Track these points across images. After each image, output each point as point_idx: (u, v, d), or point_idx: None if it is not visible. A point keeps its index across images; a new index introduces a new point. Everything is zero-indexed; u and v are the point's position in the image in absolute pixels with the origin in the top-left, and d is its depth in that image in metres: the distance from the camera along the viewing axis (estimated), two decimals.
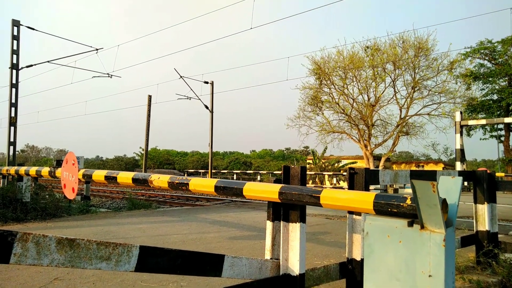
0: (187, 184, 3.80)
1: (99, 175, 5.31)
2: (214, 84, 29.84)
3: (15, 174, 8.11)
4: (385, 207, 2.26)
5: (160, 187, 4.35)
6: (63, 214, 8.76)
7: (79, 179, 5.29)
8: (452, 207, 2.31)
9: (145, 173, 4.58)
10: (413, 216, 2.14)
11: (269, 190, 2.77)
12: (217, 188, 3.29)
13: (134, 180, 4.62)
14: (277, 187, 2.71)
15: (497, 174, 19.06)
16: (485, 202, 4.50)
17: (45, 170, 6.96)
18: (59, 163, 6.58)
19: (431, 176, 4.11)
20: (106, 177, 5.13)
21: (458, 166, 19.36)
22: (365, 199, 2.40)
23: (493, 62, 28.86)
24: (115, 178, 4.96)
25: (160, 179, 4.20)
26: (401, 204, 2.19)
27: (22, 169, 7.60)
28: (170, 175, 4.12)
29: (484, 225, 4.48)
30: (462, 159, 19.41)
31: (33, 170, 7.19)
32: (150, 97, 34.81)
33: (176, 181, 3.92)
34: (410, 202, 2.14)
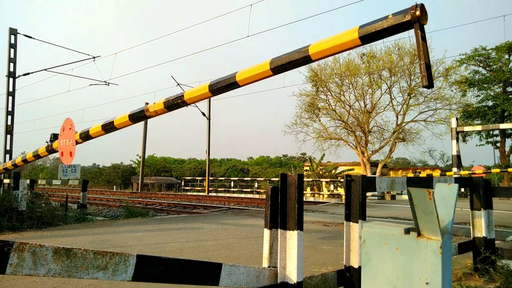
0: (182, 96, 3.92)
1: (96, 128, 5.33)
2: None
3: (12, 167, 8.10)
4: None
5: (157, 112, 4.40)
6: (59, 222, 8.70)
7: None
8: (449, 214, 2.32)
9: (140, 107, 4.64)
10: None
11: (261, 66, 2.84)
12: (211, 87, 3.39)
13: (131, 117, 4.65)
14: (267, 62, 2.77)
15: (493, 170, 19.13)
16: (482, 209, 4.51)
17: (41, 149, 6.96)
18: (55, 136, 6.57)
19: (428, 182, 4.13)
20: (103, 127, 5.13)
21: (455, 171, 19.43)
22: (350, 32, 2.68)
23: (487, 68, 29.14)
24: (112, 124, 4.97)
25: (155, 104, 4.29)
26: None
27: (19, 158, 7.61)
28: (163, 100, 4.21)
29: (481, 231, 4.49)
30: (459, 165, 19.55)
31: (30, 154, 7.21)
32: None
33: (171, 99, 4.02)
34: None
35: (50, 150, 6.82)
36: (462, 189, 16.29)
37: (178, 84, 26.03)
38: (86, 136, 5.76)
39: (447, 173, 19.69)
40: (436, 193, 2.33)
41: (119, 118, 5.04)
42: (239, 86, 3.75)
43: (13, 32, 14.17)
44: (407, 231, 2.13)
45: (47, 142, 6.95)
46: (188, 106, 25.57)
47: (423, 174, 33.63)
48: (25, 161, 7.79)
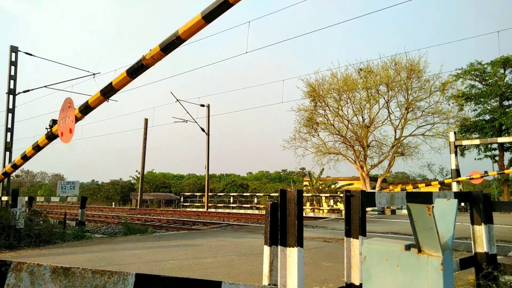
0: (177, 31, 4.12)
1: (94, 97, 5.39)
2: (210, 107, 30.09)
3: (11, 169, 7.97)
4: None
5: (154, 58, 4.51)
6: (58, 240, 8.61)
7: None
8: (449, 230, 2.32)
9: (138, 59, 4.79)
10: None
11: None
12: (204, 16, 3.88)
13: (128, 71, 4.75)
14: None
15: (490, 173, 19.05)
16: (482, 223, 4.50)
17: (41, 138, 6.94)
18: (55, 122, 6.56)
19: (427, 197, 4.12)
20: (102, 91, 5.16)
21: (454, 186, 19.39)
22: None
23: (483, 83, 29.43)
24: (110, 85, 5.03)
25: (151, 51, 4.45)
26: None
27: (18, 157, 7.55)
28: (158, 44, 4.47)
29: (482, 246, 4.46)
30: None
31: (29, 148, 7.19)
32: (146, 120, 34.96)
33: (165, 40, 4.20)
34: None
35: (50, 136, 6.70)
36: (462, 204, 16.23)
37: (177, 100, 26.20)
38: (85, 108, 5.72)
39: (445, 180, 19.64)
40: (436, 208, 2.33)
41: (116, 78, 5.12)
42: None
43: (14, 49, 14.32)
44: (408, 248, 2.13)
45: (46, 128, 6.88)
46: (187, 122, 25.25)
47: (423, 188, 33.54)
48: (25, 158, 7.57)
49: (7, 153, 13.71)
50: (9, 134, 13.81)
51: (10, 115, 14.04)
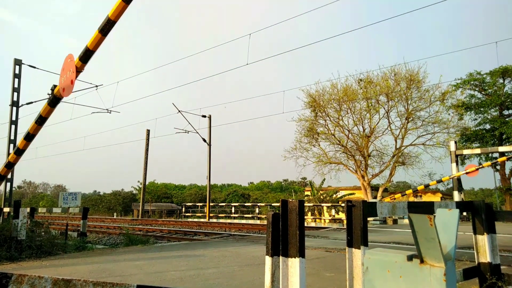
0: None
1: (93, 37, 6.01)
2: (212, 118, 30.20)
3: (14, 156, 7.60)
4: None
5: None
6: (59, 251, 8.58)
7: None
8: (451, 240, 2.32)
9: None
10: None
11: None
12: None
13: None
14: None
15: (484, 164, 19.04)
16: (485, 233, 4.49)
17: (43, 107, 6.95)
18: (55, 86, 6.73)
19: (429, 207, 4.13)
20: (101, 30, 5.58)
21: (456, 195, 19.32)
22: None
23: (483, 92, 29.54)
24: (107, 19, 5.72)
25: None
26: None
27: (21, 140, 7.40)
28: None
29: (485, 256, 4.44)
30: (460, 188, 19.44)
31: (31, 124, 7.14)
32: (148, 131, 35.09)
33: None
34: None
35: (53, 100, 6.56)
36: (464, 213, 16.16)
37: (179, 111, 26.33)
38: (85, 54, 5.74)
39: (443, 178, 19.57)
40: (437, 218, 2.34)
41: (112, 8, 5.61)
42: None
43: (17, 62, 14.47)
44: (410, 258, 2.13)
45: (48, 94, 6.83)
46: (189, 132, 25.11)
47: (424, 198, 33.41)
48: (28, 137, 7.28)
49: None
50: (12, 145, 13.86)
51: (13, 127, 14.11)
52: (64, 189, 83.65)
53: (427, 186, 20.40)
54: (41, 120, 7.10)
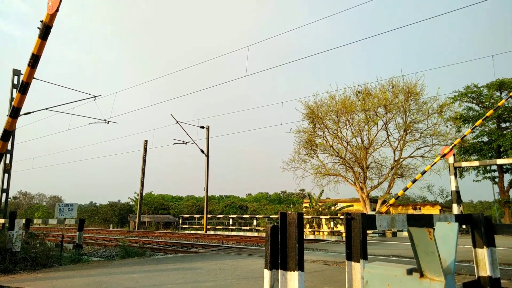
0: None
1: None
2: (210, 129, 30.23)
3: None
4: None
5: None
6: (54, 263, 8.47)
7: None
8: (451, 254, 2.31)
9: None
10: None
11: None
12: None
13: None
14: None
15: (456, 142, 19.15)
16: (484, 246, 4.46)
17: (35, 44, 7.42)
18: (42, 21, 7.54)
19: (428, 220, 4.11)
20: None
21: (455, 208, 19.27)
22: None
23: (480, 105, 29.75)
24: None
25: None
26: None
27: (16, 97, 7.52)
28: None
29: (485, 270, 4.41)
30: (459, 201, 19.41)
31: (25, 70, 7.25)
32: (146, 142, 35.04)
33: None
34: None
35: (43, 31, 7.43)
36: (464, 226, 16.10)
37: (177, 122, 26.36)
38: None
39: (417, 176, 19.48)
40: (437, 232, 2.33)
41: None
42: None
43: (16, 73, 14.51)
44: (410, 272, 2.11)
45: (38, 28, 7.66)
46: (187, 143, 25.48)
47: (424, 210, 33.32)
48: (23, 89, 7.88)
49: (6, 175, 13.67)
50: (8, 156, 13.81)
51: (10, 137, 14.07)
52: (60, 200, 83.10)
53: (397, 198, 20.49)
54: (34, 61, 7.64)
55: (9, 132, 8.30)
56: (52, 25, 7.52)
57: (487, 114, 18.20)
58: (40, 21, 7.64)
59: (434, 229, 2.13)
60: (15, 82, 14.37)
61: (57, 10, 6.91)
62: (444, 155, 18.26)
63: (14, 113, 8.04)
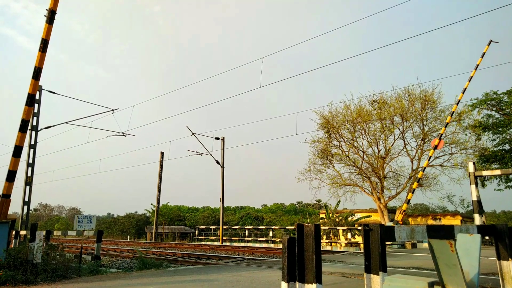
0: None
1: None
2: (225, 140, 30.39)
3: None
4: None
5: None
6: (73, 275, 8.58)
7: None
8: (474, 266, 2.24)
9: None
10: None
11: None
12: None
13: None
14: None
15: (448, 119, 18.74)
16: (510, 259, 4.31)
17: (44, 29, 8.86)
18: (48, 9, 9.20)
19: (449, 231, 4.01)
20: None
21: (477, 218, 18.72)
22: None
23: (500, 112, 29.02)
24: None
25: None
26: None
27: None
28: None
29: (511, 283, 4.25)
30: (480, 211, 18.83)
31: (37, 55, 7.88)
32: (162, 154, 35.44)
33: None
34: None
35: (50, 17, 9.00)
36: (486, 237, 15.60)
37: (193, 133, 26.62)
38: None
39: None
40: (459, 244, 2.27)
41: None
42: None
43: (38, 88, 14.97)
44: (431, 285, 2.06)
45: (44, 16, 9.35)
46: (202, 155, 25.67)
47: (444, 220, 32.48)
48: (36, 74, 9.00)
49: (27, 187, 14.01)
50: (30, 169, 14.17)
51: (31, 150, 14.46)
52: (78, 211, 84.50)
53: (408, 202, 20.03)
54: (44, 45, 9.34)
55: (20, 148, 9.22)
56: (56, 10, 9.35)
57: None
58: (46, 9, 9.32)
59: (455, 240, 2.09)
60: (37, 97, 14.81)
61: None
62: (435, 147, 18.15)
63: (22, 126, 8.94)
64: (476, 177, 19.39)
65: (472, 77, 18.45)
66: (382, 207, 24.45)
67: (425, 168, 19.10)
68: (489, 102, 28.75)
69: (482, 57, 18.41)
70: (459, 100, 18.82)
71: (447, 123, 19.19)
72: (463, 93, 18.51)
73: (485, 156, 27.13)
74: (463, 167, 22.46)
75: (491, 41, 18.54)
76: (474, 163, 19.75)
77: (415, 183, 18.63)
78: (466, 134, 23.57)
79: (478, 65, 18.45)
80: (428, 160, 18.87)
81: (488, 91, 29.01)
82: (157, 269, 10.32)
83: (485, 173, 20.80)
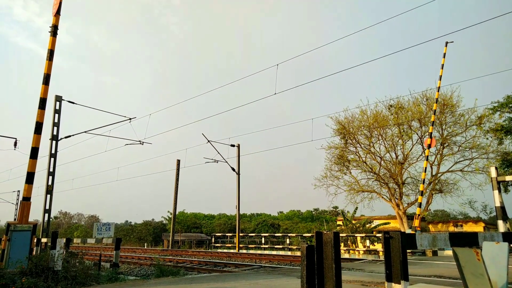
0: None
1: None
2: (240, 147, 30.47)
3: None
4: None
5: None
6: (92, 282, 8.68)
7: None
8: (502, 276, 2.16)
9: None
10: None
11: None
12: None
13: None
14: None
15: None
16: None
17: (49, 42, 10.20)
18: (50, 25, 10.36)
19: (472, 238, 3.88)
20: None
21: (501, 225, 18.11)
22: None
23: None
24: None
25: None
26: None
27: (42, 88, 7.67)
28: None
29: None
30: (504, 217, 18.21)
31: (46, 63, 7.81)
32: (178, 161, 35.76)
33: None
34: None
35: (53, 30, 10.58)
36: None
37: (208, 141, 26.79)
38: None
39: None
40: (485, 252, 2.19)
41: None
42: None
43: (58, 99, 15.37)
44: None
45: (49, 31, 10.96)
46: (218, 162, 25.70)
47: (465, 227, 31.61)
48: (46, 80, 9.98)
49: (48, 196, 14.32)
50: (50, 177, 14.50)
51: (52, 159, 14.81)
52: (97, 219, 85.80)
53: (420, 205, 19.83)
54: (50, 55, 10.57)
55: (36, 149, 9.89)
56: (58, 25, 11.12)
57: None
58: (50, 27, 11.04)
59: (481, 249, 2.02)
60: (57, 107, 15.21)
61: (57, 13, 10.89)
62: (429, 146, 17.89)
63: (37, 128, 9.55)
64: (498, 182, 18.82)
65: (441, 76, 18.76)
66: (401, 213, 23.98)
67: (425, 169, 18.94)
68: (510, 105, 27.99)
69: (444, 57, 18.65)
70: (439, 87, 19.00)
71: (433, 120, 19.54)
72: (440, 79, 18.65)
73: (508, 160, 26.34)
74: (485, 172, 21.85)
75: (447, 42, 18.50)
76: (496, 168, 19.19)
77: (421, 185, 18.29)
78: (487, 138, 22.96)
79: (443, 64, 18.65)
80: (427, 160, 18.63)
81: (510, 93, 28.28)
82: (175, 277, 10.35)
83: (508, 178, 20.15)
